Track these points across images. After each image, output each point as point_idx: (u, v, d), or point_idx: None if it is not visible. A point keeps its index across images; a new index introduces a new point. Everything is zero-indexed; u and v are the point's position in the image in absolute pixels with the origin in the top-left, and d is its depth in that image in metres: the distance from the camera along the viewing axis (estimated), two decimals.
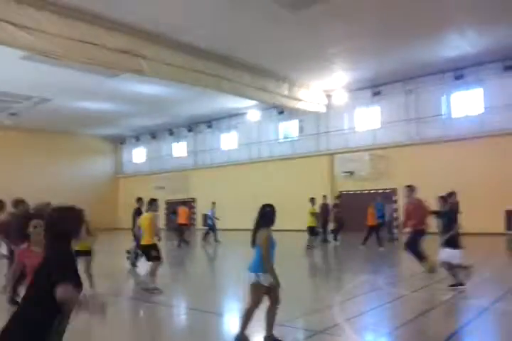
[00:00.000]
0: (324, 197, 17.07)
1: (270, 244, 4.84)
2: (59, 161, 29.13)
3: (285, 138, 24.66)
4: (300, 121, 23.57)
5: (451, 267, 7.59)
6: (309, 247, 14.82)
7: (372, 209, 14.78)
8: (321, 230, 16.36)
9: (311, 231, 15.34)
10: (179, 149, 30.06)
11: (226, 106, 23.80)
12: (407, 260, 11.51)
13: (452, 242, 7.51)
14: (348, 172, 20.63)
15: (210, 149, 27.73)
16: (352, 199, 20.01)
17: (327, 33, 13.87)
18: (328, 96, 21.59)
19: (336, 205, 17.24)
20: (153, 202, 8.81)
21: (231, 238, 20.10)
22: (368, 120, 21.30)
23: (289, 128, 24.45)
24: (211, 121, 27.19)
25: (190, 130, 28.42)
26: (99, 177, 31.68)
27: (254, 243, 4.91)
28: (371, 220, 14.51)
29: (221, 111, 25.25)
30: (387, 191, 18.39)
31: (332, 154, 21.97)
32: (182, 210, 17.91)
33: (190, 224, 23.52)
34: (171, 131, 29.45)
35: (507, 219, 17.26)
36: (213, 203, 19.03)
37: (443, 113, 19.08)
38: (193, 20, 12.64)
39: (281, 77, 18.26)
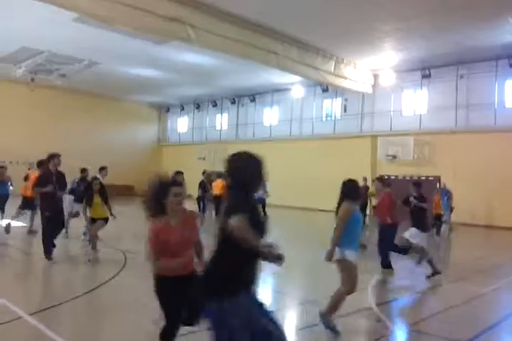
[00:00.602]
0: (365, 179, 16.77)
1: (350, 218, 4.82)
2: (104, 124, 29.60)
3: (327, 116, 24.27)
4: (344, 100, 23.08)
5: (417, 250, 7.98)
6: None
7: (438, 197, 14.08)
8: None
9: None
10: (222, 121, 30.16)
11: (270, 81, 23.56)
12: (458, 250, 11.21)
13: (421, 224, 8.19)
14: (391, 156, 20.20)
15: (252, 123, 27.67)
16: (393, 183, 19.47)
17: (378, 11, 13.37)
18: (375, 75, 20.98)
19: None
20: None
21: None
22: (416, 103, 20.62)
23: (333, 106, 24.02)
24: (254, 95, 27.03)
25: (233, 102, 28.40)
26: (143, 144, 32.09)
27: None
28: (438, 208, 13.73)
29: (265, 86, 25.05)
30: (430, 178, 17.87)
31: (375, 136, 21.48)
32: (218, 182, 17.63)
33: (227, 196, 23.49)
34: (215, 103, 29.50)
35: None
36: None
37: (496, 101, 18.22)
38: None
39: (328, 53, 17.87)
